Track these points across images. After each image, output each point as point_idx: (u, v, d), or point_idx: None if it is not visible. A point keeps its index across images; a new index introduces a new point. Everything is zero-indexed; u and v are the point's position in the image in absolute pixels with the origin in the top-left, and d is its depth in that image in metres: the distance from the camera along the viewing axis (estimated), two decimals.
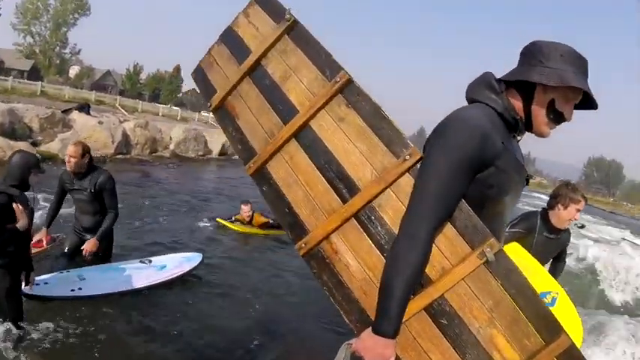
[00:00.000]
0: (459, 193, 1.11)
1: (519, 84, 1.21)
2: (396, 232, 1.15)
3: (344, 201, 1.23)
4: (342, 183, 1.25)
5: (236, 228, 6.61)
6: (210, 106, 1.49)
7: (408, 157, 1.18)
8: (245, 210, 6.70)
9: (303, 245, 1.25)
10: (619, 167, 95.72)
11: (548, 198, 2.77)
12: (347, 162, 1.25)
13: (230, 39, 1.53)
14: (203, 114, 36.63)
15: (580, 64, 1.18)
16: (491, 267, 1.11)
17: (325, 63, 1.34)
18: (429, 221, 1.08)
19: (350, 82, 1.29)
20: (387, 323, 1.07)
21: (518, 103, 1.22)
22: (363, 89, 1.29)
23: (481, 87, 1.25)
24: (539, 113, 1.21)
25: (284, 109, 1.36)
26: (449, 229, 1.14)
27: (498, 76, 1.26)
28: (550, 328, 1.09)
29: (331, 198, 1.25)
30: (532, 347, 1.08)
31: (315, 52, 1.37)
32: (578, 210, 2.60)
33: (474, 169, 1.13)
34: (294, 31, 1.42)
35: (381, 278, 1.10)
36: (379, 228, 1.19)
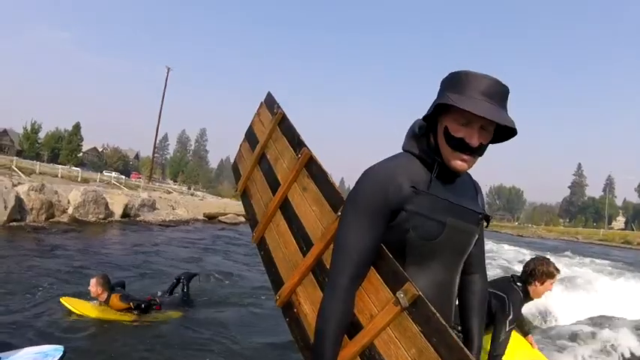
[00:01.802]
0: (370, 242, 1.14)
1: (431, 124, 1.19)
2: None
3: (305, 257, 1.41)
4: (304, 242, 1.43)
5: (82, 311, 4.84)
6: (237, 190, 1.93)
7: (339, 213, 1.30)
8: (92, 285, 4.92)
9: (277, 297, 1.46)
10: (519, 192, 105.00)
11: None
12: (307, 224, 1.44)
13: (249, 135, 1.99)
14: (105, 174, 34.48)
15: (481, 87, 1.07)
16: (412, 313, 1.08)
17: (296, 143, 1.62)
18: (344, 271, 1.14)
19: (309, 156, 1.52)
20: None
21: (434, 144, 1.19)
22: (317, 161, 1.49)
23: (407, 135, 1.28)
24: (442, 144, 1.15)
25: (274, 185, 1.67)
26: (373, 276, 1.17)
27: None
28: None
29: (299, 256, 1.44)
30: None
31: (291, 135, 1.67)
32: (553, 283, 2.76)
33: (383, 217, 1.15)
34: (283, 121, 1.77)
35: (314, 328, 1.19)
36: (326, 280, 1.31)
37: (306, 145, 1.56)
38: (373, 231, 1.15)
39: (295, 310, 1.40)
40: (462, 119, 1.10)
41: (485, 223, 1.27)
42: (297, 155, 1.58)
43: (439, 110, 1.15)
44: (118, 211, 15.80)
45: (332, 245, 1.29)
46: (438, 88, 1.18)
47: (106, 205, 15.19)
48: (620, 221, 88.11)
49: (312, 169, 1.49)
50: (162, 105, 41.13)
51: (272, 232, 1.62)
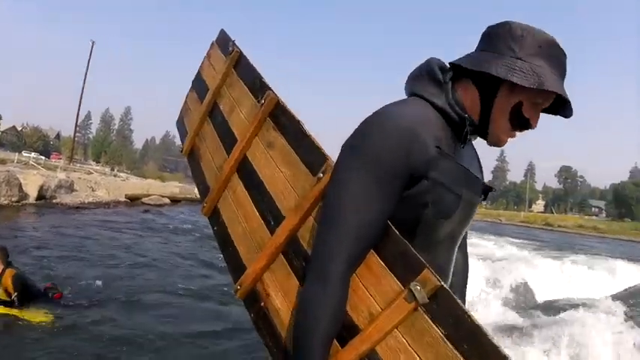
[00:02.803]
0: (379, 217, 0.81)
1: (478, 75, 0.87)
2: None
3: (272, 234, 1.04)
4: (270, 214, 1.06)
5: None
6: (182, 151, 1.50)
7: (321, 174, 0.94)
8: None
9: (239, 287, 1.08)
10: None
11: None
12: (275, 190, 1.07)
13: (197, 83, 1.53)
14: (24, 154, 32.82)
15: (559, 61, 0.86)
16: (430, 310, 0.76)
17: (258, 88, 1.21)
18: (339, 254, 0.81)
19: (277, 102, 1.12)
20: None
21: (471, 99, 0.88)
22: (287, 107, 1.10)
23: (421, 77, 0.93)
24: (501, 117, 0.87)
25: (229, 142, 1.26)
26: (374, 261, 0.84)
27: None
28: None
29: (263, 232, 1.07)
30: None
31: (252, 79, 1.25)
32: None
33: (400, 182, 0.82)
34: (239, 62, 1.34)
35: (293, 335, 0.85)
36: (303, 264, 0.96)
37: (270, 89, 1.16)
38: (384, 201, 0.81)
39: (262, 303, 1.04)
40: (540, 99, 0.86)
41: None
42: (258, 102, 1.18)
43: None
44: (32, 193, 14.30)
45: (311, 218, 0.95)
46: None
47: (20, 186, 13.66)
48: (539, 204, 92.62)
49: (280, 118, 1.10)
50: (84, 81, 36.08)
51: (228, 201, 1.23)
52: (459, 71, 0.90)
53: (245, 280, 1.07)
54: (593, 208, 69.73)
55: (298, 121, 1.05)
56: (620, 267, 9.17)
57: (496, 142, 0.91)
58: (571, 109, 0.89)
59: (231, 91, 1.32)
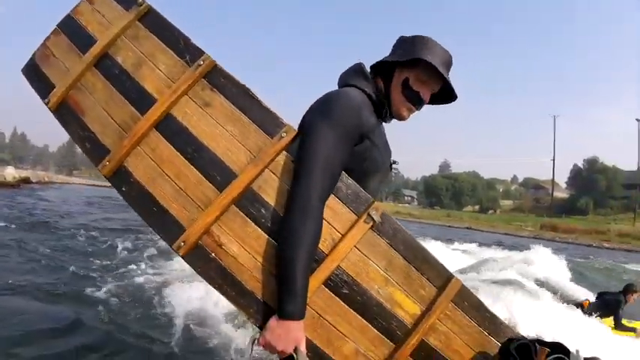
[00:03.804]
0: (342, 162, 1.04)
1: (383, 70, 1.20)
2: (280, 212, 1.03)
3: (220, 188, 1.06)
4: (215, 170, 1.08)
5: None
6: (49, 103, 1.17)
7: (284, 134, 1.08)
8: None
9: (182, 244, 1.02)
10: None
11: None
12: (218, 147, 1.09)
13: (70, 28, 1.25)
14: None
15: (441, 54, 1.15)
16: (378, 229, 1.07)
17: (185, 48, 1.18)
18: (318, 191, 0.99)
19: (214, 65, 1.15)
20: (294, 303, 0.94)
21: (383, 88, 1.21)
22: (227, 71, 1.16)
23: (353, 74, 1.22)
24: (396, 91, 1.18)
25: (139, 98, 1.14)
26: (332, 200, 1.06)
27: None
28: (441, 275, 1.08)
29: (205, 187, 1.07)
30: (428, 296, 1.06)
31: (173, 37, 1.19)
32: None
33: (354, 140, 1.08)
34: (148, 17, 1.23)
35: (280, 257, 0.97)
36: (262, 211, 1.05)
37: (203, 51, 1.17)
38: (346, 151, 1.06)
39: (213, 254, 1.02)
40: (424, 76, 1.15)
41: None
42: (185, 62, 1.16)
43: (397, 63, 1.16)
44: None
45: (268, 170, 1.07)
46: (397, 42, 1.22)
47: None
48: None
49: (218, 80, 1.14)
50: None
51: (143, 160, 1.10)
52: (377, 70, 1.22)
53: (190, 237, 1.02)
54: (406, 197, 69.72)
55: (244, 86, 1.13)
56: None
57: (398, 115, 1.19)
58: (454, 92, 1.18)
59: (138, 45, 1.20)
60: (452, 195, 56.28)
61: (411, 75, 1.16)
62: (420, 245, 1.09)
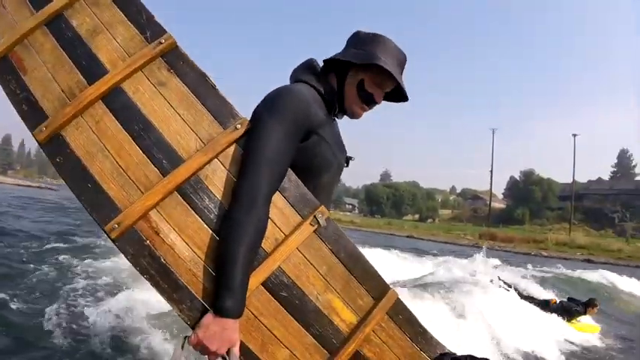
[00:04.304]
0: (288, 156, 1.02)
1: (336, 67, 1.19)
2: (225, 204, 0.99)
3: (164, 172, 1.00)
4: (161, 153, 1.01)
5: None
6: None
7: (238, 126, 1.04)
8: None
9: (116, 226, 0.94)
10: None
11: None
12: (167, 130, 1.03)
13: None
14: None
15: (396, 55, 1.16)
16: (321, 233, 1.05)
17: (146, 24, 1.11)
18: (264, 186, 0.96)
19: (175, 46, 1.10)
20: (233, 301, 0.89)
21: (336, 85, 1.19)
22: (188, 56, 1.10)
23: (303, 69, 1.20)
24: (350, 91, 1.17)
25: (90, 66, 1.06)
26: (279, 199, 1.03)
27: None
28: (378, 286, 1.07)
29: (149, 170, 1.00)
30: (365, 306, 1.05)
31: (136, 11, 1.12)
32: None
33: (300, 134, 1.05)
34: None
35: (221, 251, 0.93)
36: (206, 201, 1.00)
37: (165, 30, 1.12)
38: (292, 145, 1.03)
39: (148, 241, 0.96)
40: (378, 79, 1.15)
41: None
42: (145, 38, 1.10)
43: (351, 64, 1.15)
44: None
45: (217, 161, 1.03)
46: (350, 38, 1.22)
47: None
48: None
49: (177, 62, 1.09)
50: None
51: (83, 131, 1.02)
52: (330, 66, 1.21)
53: (125, 219, 0.95)
54: (347, 205, 69.56)
55: (203, 74, 1.08)
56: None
57: (352, 113, 1.19)
58: (405, 93, 1.19)
59: (97, 12, 1.12)
60: (392, 204, 56.91)
61: (366, 77, 1.16)
62: (361, 254, 1.07)
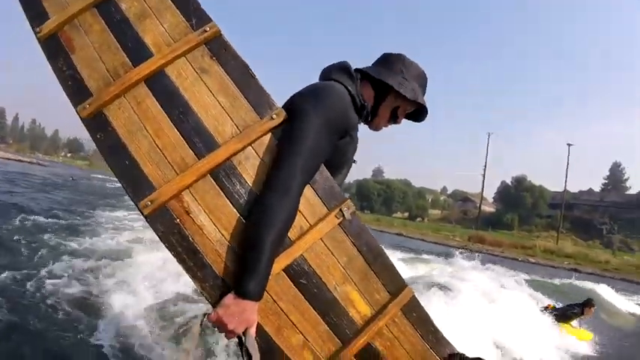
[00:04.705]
0: (326, 152, 1.05)
1: (375, 81, 1.24)
2: (256, 191, 1.02)
3: (199, 156, 1.04)
4: (198, 137, 1.05)
5: None
6: (39, 32, 1.11)
7: (274, 116, 1.08)
8: None
9: (149, 203, 0.98)
10: None
11: None
12: (206, 115, 1.07)
13: None
14: None
15: (425, 85, 1.29)
16: (345, 226, 1.08)
17: (193, 11, 1.15)
18: (300, 176, 0.99)
19: (219, 34, 1.13)
20: (255, 284, 0.92)
21: (368, 95, 1.25)
22: (231, 44, 1.14)
23: (339, 71, 1.24)
24: (385, 112, 1.27)
25: (136, 49, 1.10)
26: (307, 190, 1.06)
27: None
28: (395, 282, 1.10)
29: (185, 152, 1.04)
30: (381, 300, 1.08)
31: None
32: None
33: (340, 133, 1.09)
34: None
35: (249, 234, 0.95)
36: (238, 186, 1.03)
37: (211, 19, 1.15)
38: (331, 142, 1.07)
39: (178, 220, 0.99)
40: (409, 108, 1.27)
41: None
42: (191, 25, 1.14)
43: (396, 91, 1.22)
44: None
45: (250, 148, 1.06)
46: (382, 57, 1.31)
47: None
48: None
49: (220, 51, 1.13)
50: None
51: (125, 110, 1.06)
52: (363, 75, 1.27)
53: (159, 197, 0.99)
54: None
55: (244, 63, 1.12)
56: None
57: (376, 128, 1.30)
58: (424, 117, 1.32)
59: None
60: (383, 200, 56.07)
61: (402, 105, 1.27)
62: (381, 249, 1.10)
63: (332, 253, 1.05)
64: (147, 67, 1.08)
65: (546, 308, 6.51)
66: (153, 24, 1.13)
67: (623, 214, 43.33)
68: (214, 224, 1.00)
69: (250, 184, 1.04)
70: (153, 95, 1.07)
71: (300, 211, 1.04)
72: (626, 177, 53.54)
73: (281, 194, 0.96)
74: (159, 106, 1.07)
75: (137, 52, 1.10)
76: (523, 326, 5.15)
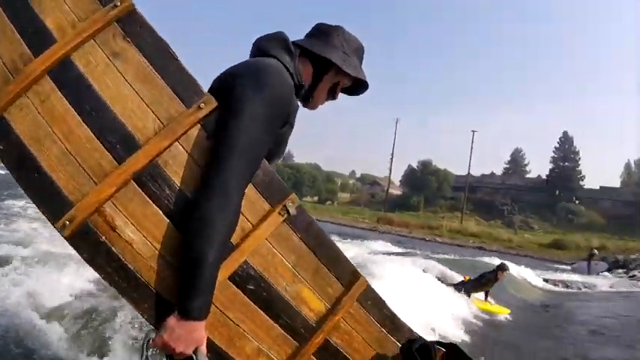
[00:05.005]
0: (268, 144, 0.93)
1: (315, 56, 1.10)
2: (188, 193, 0.91)
3: (119, 159, 0.91)
4: (115, 136, 0.92)
5: None
6: None
7: (202, 105, 0.94)
8: None
9: (67, 223, 0.87)
10: None
11: None
12: (122, 109, 0.93)
13: None
14: None
15: (362, 57, 1.20)
16: (292, 222, 0.99)
17: None
18: (240, 178, 0.88)
19: (132, 9, 0.96)
20: (200, 302, 0.83)
21: (307, 73, 1.11)
22: (147, 20, 0.97)
23: (277, 44, 1.07)
24: (324, 89, 1.15)
25: (35, 34, 0.93)
26: (248, 186, 0.96)
27: None
28: (348, 273, 1.04)
29: (101, 156, 0.91)
30: (335, 294, 1.02)
31: None
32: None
33: (282, 120, 0.97)
34: None
35: (188, 249, 0.85)
36: (167, 191, 0.92)
37: None
38: (273, 133, 0.95)
39: (103, 237, 0.89)
40: (347, 83, 1.18)
41: None
42: (101, 1, 0.96)
43: (337, 67, 1.12)
44: None
45: (177, 144, 0.94)
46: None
47: None
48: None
49: (134, 29, 0.96)
50: None
51: (30, 113, 0.92)
52: (302, 50, 1.12)
53: (78, 215, 0.88)
54: None
55: (165, 43, 0.96)
56: None
57: (314, 106, 1.18)
58: (364, 91, 1.24)
59: None
60: (293, 184, 56.18)
61: (342, 81, 1.17)
62: (332, 242, 1.03)
63: (279, 253, 0.97)
64: (50, 56, 0.92)
65: (463, 282, 6.93)
66: (55, 2, 0.95)
67: (523, 197, 46.75)
68: (145, 237, 0.91)
69: (181, 187, 0.93)
70: (58, 90, 0.93)
71: (241, 212, 0.95)
72: (526, 162, 56.34)
73: (220, 203, 0.85)
74: (66, 103, 0.92)
75: (38, 38, 0.93)
76: (440, 304, 5.56)
